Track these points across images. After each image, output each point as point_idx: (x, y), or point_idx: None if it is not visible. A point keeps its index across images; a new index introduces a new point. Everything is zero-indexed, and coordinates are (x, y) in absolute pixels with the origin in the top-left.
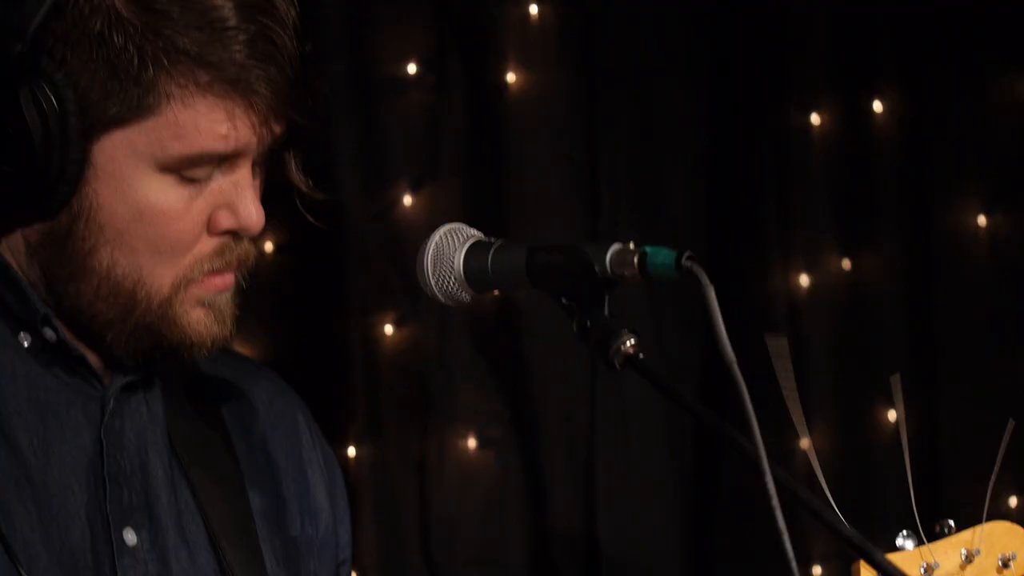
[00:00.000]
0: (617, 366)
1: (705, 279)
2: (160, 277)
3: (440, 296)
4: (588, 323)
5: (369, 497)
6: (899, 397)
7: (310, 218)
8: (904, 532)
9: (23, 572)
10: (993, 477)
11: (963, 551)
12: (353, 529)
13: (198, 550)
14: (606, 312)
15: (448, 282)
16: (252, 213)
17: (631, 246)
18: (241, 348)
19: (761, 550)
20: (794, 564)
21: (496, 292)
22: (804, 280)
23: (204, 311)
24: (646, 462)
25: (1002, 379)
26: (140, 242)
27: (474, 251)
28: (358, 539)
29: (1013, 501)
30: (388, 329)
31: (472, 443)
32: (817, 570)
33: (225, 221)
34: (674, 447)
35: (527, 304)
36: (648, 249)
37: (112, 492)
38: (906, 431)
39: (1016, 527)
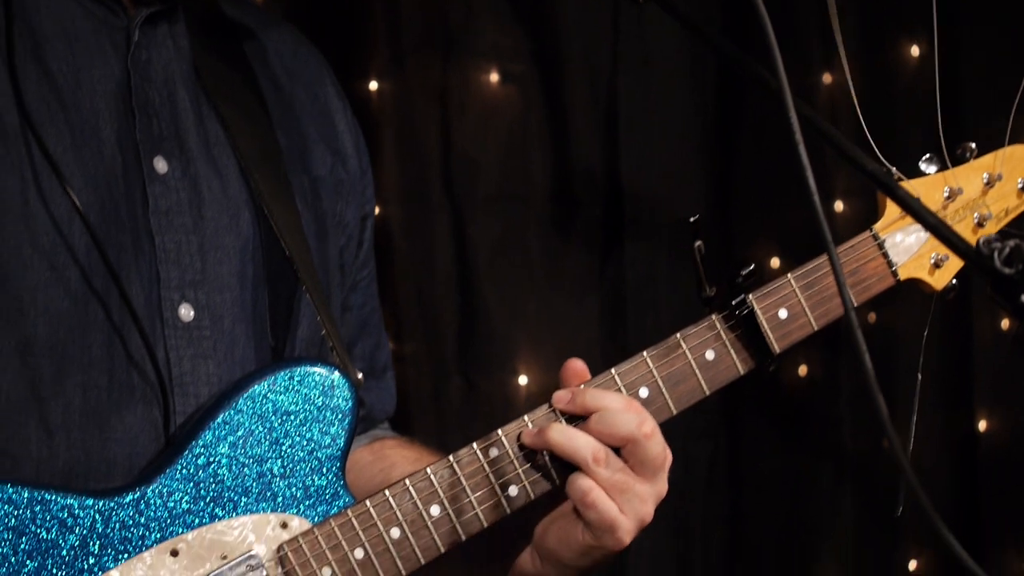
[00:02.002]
0: (640, 0)
1: None
2: None
3: None
4: None
5: (391, 132)
6: None
7: None
8: (927, 156)
9: (68, 188)
10: (1015, 103)
11: (985, 175)
12: (375, 165)
13: (229, 179)
14: None
15: None
16: None
17: None
18: None
19: (784, 185)
20: (816, 199)
21: None
22: None
23: None
24: (669, 97)
25: None
26: None
27: None
28: (380, 175)
29: None
30: None
31: (494, 77)
32: (839, 205)
33: None
34: (697, 82)
35: None
36: None
37: (141, 121)
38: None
39: None
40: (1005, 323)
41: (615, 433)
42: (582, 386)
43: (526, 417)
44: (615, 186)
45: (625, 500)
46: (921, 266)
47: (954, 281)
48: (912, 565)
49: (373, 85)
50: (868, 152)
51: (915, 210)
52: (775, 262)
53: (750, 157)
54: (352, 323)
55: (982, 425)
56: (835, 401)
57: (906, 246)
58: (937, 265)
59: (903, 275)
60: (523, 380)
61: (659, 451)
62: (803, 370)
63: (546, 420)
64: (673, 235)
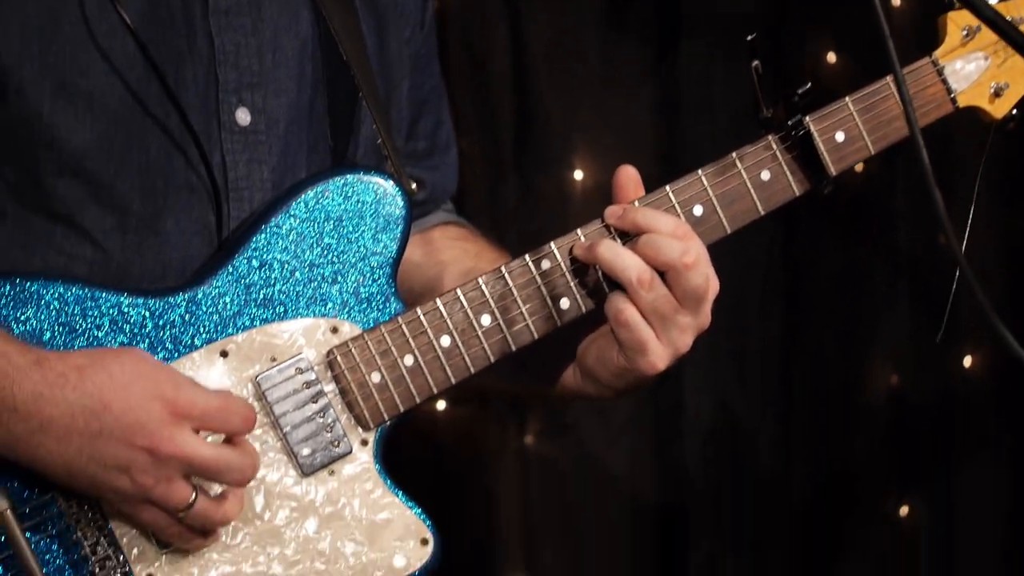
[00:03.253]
0: None
1: None
2: None
3: None
4: None
5: None
6: None
7: None
8: None
9: (118, 5)
10: None
11: None
12: None
13: None
14: None
15: None
16: None
17: None
18: None
19: None
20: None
21: None
22: None
23: None
24: None
25: None
26: None
27: None
28: None
29: None
30: None
31: None
32: (896, 0)
33: None
34: None
35: None
36: None
37: None
38: None
39: None
40: None
41: (658, 257)
42: (636, 203)
43: (579, 231)
44: None
45: (663, 327)
46: (980, 94)
47: (1014, 111)
48: (967, 362)
49: None
50: None
51: (980, 8)
52: (831, 57)
53: None
54: (413, 101)
55: None
56: (891, 197)
57: (966, 74)
58: (997, 94)
59: (962, 102)
60: (579, 175)
61: (700, 282)
62: (859, 166)
63: (599, 235)
64: (729, 31)
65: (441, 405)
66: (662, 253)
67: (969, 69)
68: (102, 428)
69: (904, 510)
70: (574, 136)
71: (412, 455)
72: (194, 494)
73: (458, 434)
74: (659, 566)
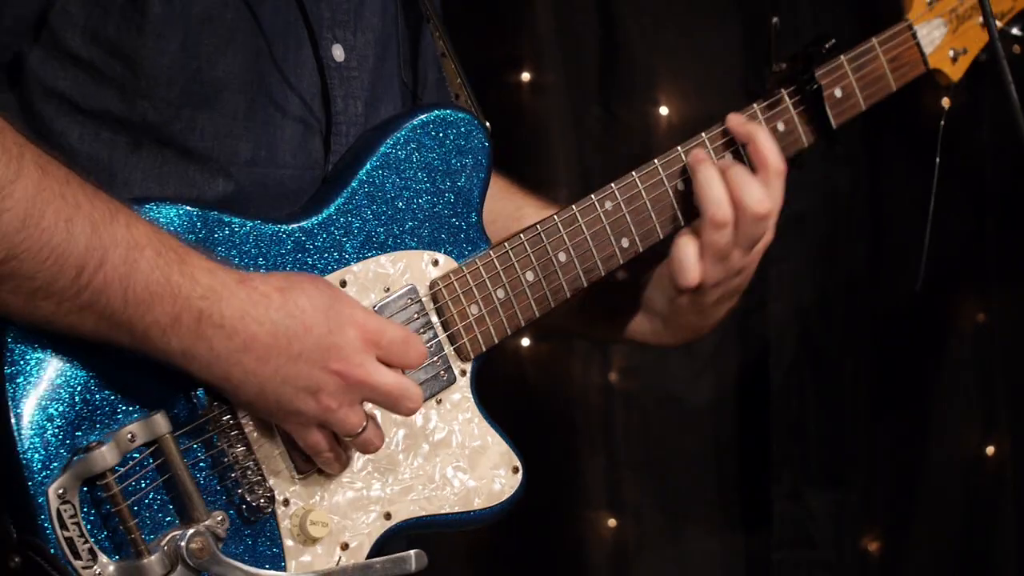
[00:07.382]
0: None
1: None
2: None
3: None
4: None
5: None
6: None
7: None
8: None
9: None
10: None
11: None
12: None
13: None
14: None
15: None
16: None
17: None
18: None
19: None
20: None
21: None
22: None
23: None
24: None
25: None
26: None
27: None
28: None
29: None
30: None
31: None
32: None
33: None
34: None
35: None
36: None
37: None
38: None
39: None
40: None
41: (736, 193)
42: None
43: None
44: None
45: (719, 268)
46: (944, 58)
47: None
48: None
49: None
50: None
51: None
52: None
53: None
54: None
55: None
56: (978, 130)
57: (931, 39)
58: (954, 60)
59: (932, 64)
60: (664, 111)
61: (761, 232)
62: (946, 102)
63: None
64: None
65: (525, 342)
66: (742, 193)
67: (934, 35)
68: (302, 350)
69: (990, 449)
70: (658, 69)
71: (497, 392)
72: (366, 421)
73: (543, 371)
74: (742, 499)
